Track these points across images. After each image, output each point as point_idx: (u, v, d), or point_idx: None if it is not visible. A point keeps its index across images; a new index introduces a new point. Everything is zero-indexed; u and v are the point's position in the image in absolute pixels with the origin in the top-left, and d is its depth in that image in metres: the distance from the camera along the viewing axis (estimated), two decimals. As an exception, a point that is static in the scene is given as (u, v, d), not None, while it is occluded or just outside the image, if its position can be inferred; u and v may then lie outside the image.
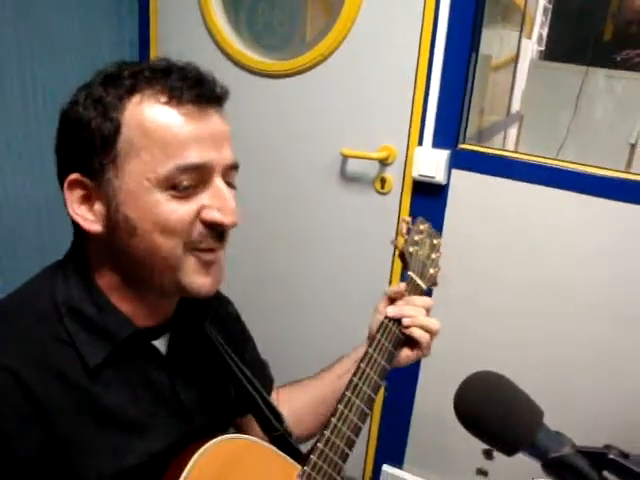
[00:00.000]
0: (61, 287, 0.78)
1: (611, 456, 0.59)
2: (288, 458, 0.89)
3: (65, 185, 0.76)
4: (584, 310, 1.58)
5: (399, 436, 1.88)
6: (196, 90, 0.75)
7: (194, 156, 0.73)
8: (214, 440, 0.80)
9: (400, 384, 1.78)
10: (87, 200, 0.76)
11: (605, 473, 0.60)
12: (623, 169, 1.72)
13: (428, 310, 0.98)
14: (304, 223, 1.90)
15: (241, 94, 1.88)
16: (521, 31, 2.62)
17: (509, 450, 0.61)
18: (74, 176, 0.75)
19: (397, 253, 1.07)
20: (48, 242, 1.76)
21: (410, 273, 1.02)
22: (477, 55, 1.64)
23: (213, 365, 0.93)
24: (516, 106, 2.56)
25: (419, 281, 1.02)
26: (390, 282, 1.79)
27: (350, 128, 1.77)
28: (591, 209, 1.53)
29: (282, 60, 1.84)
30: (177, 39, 1.97)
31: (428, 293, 1.04)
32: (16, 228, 1.70)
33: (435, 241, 1.09)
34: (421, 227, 1.08)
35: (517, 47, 2.55)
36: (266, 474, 0.87)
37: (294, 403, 1.07)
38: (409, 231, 1.06)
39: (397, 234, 1.08)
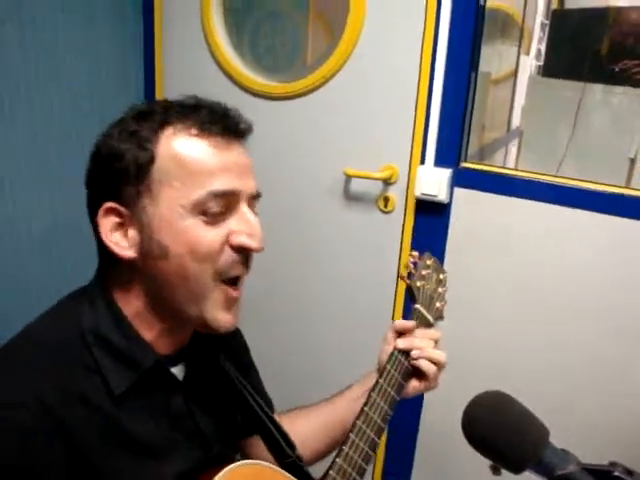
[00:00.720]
0: (88, 314, 0.81)
1: (616, 473, 0.61)
2: None
3: (100, 213, 0.80)
4: (587, 325, 1.60)
5: (406, 452, 1.89)
6: (223, 123, 0.81)
7: (222, 183, 0.78)
8: (232, 465, 0.82)
9: (406, 400, 1.79)
10: (121, 227, 0.80)
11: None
12: (623, 184, 1.73)
13: (436, 342, 1.01)
14: (309, 242, 1.93)
15: (245, 116, 1.91)
16: (519, 47, 2.65)
17: (516, 468, 0.63)
18: (109, 204, 0.79)
19: (404, 286, 1.11)
20: (56, 268, 1.78)
21: (418, 306, 1.06)
22: (477, 74, 1.67)
23: (226, 392, 0.95)
24: (516, 122, 2.59)
25: (426, 314, 1.06)
26: (395, 299, 1.80)
27: (353, 148, 1.80)
28: (591, 225, 1.55)
29: (285, 82, 1.87)
30: (182, 63, 2.00)
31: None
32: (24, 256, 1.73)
33: (441, 276, 1.13)
34: (428, 262, 1.12)
35: (516, 63, 2.59)
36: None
37: (297, 428, 1.08)
38: (416, 265, 1.10)
39: (403, 267, 1.13)
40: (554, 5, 3.33)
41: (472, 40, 1.59)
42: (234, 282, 0.82)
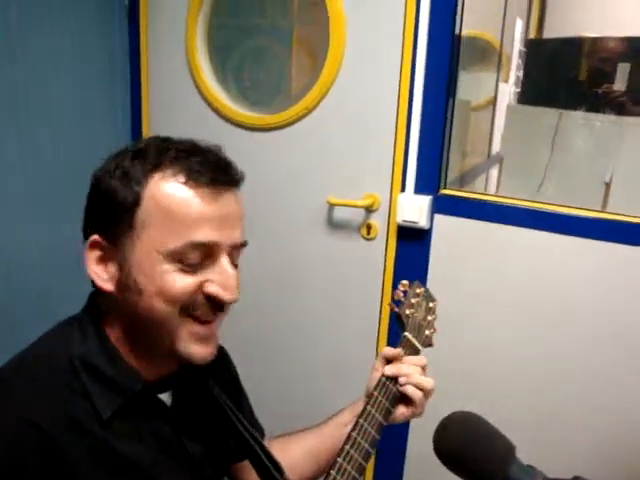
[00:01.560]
0: (77, 341, 0.83)
1: (579, 488, 0.64)
2: None
3: (87, 244, 0.83)
4: (568, 345, 1.62)
5: (394, 477, 1.90)
6: (213, 174, 0.81)
7: (203, 235, 0.79)
8: None
9: (393, 426, 1.81)
10: (103, 260, 0.83)
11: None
12: (599, 207, 1.78)
13: (423, 369, 1.03)
14: (293, 269, 1.96)
15: (229, 146, 1.94)
16: (498, 74, 2.72)
17: (485, 485, 0.66)
18: (95, 237, 0.82)
19: (391, 314, 1.13)
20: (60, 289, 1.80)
21: (406, 334, 1.08)
22: (454, 101, 1.72)
23: (214, 417, 0.97)
24: (496, 148, 2.65)
25: (415, 342, 1.08)
26: (379, 324, 1.83)
27: (335, 177, 1.84)
28: (570, 248, 1.58)
29: (269, 114, 1.92)
30: (168, 97, 2.05)
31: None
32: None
33: (431, 304, 1.15)
34: (417, 290, 1.14)
35: (495, 90, 2.65)
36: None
37: (287, 453, 1.10)
38: (406, 294, 1.12)
39: (392, 296, 1.15)
40: (533, 34, 3.43)
41: (448, 68, 1.64)
42: (202, 320, 0.83)
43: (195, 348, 0.83)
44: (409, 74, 1.67)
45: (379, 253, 1.81)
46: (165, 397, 0.90)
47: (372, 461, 1.93)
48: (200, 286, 0.81)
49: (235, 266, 0.85)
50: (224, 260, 0.82)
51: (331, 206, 1.85)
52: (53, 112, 1.81)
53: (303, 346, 1.99)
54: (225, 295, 0.81)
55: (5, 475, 0.72)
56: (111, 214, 0.81)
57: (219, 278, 0.81)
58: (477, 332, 1.73)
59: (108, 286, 0.82)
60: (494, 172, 2.61)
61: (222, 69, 2.00)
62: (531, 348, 1.67)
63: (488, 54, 2.82)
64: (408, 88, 1.68)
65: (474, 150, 2.69)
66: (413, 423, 1.81)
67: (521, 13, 3.12)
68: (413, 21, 1.64)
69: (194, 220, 0.79)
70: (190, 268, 0.80)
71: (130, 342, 0.85)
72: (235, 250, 0.85)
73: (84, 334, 0.84)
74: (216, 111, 1.97)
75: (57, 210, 1.78)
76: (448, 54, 1.62)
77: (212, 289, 0.81)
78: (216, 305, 0.82)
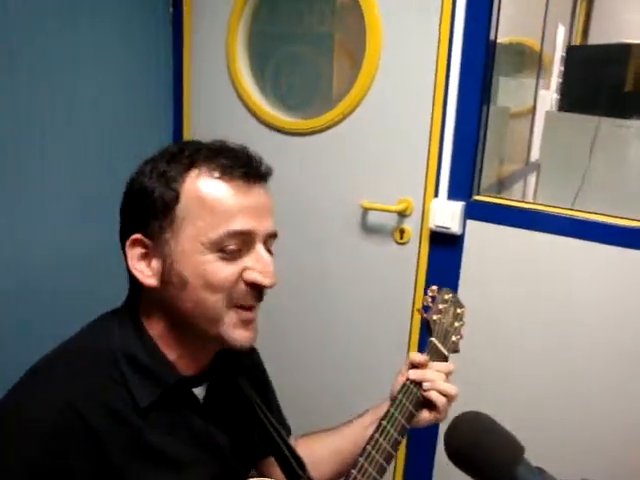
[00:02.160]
0: (117, 334, 0.88)
1: (587, 490, 0.65)
2: None
3: (127, 243, 0.87)
4: (601, 358, 1.61)
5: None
6: (244, 168, 0.86)
7: (240, 224, 0.84)
8: None
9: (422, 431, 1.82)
10: (146, 257, 0.87)
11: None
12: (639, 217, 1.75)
13: (448, 375, 1.04)
14: (327, 272, 1.98)
15: (267, 151, 1.98)
16: (537, 80, 2.71)
17: (494, 484, 0.67)
18: (136, 236, 0.87)
19: (421, 319, 1.14)
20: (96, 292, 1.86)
21: (433, 339, 1.09)
22: (489, 108, 1.73)
23: (243, 412, 1.01)
24: (535, 155, 2.63)
25: (441, 347, 1.09)
26: (410, 329, 1.84)
27: (370, 182, 1.86)
28: (607, 257, 1.57)
29: (305, 119, 1.96)
30: (209, 102, 2.11)
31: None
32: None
33: (459, 310, 1.16)
34: (446, 296, 1.15)
35: (534, 97, 2.64)
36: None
37: (312, 451, 1.13)
38: (434, 300, 1.13)
39: (422, 301, 1.17)
40: (577, 41, 3.39)
41: (483, 74, 1.65)
42: (247, 307, 0.88)
43: (238, 333, 0.87)
44: (444, 80, 1.69)
45: (412, 258, 1.83)
46: (198, 391, 0.93)
47: (401, 467, 1.94)
48: (240, 274, 0.85)
49: (270, 254, 0.90)
50: (260, 248, 0.87)
51: (365, 210, 1.87)
52: (99, 116, 1.88)
53: (335, 349, 2.01)
54: (265, 280, 0.86)
55: (46, 454, 0.77)
56: (151, 212, 0.85)
57: (257, 265, 0.86)
58: (507, 339, 1.73)
59: (151, 281, 0.86)
60: (532, 179, 2.59)
61: (262, 75, 2.05)
62: (563, 358, 1.66)
63: (531, 61, 2.81)
64: (442, 94, 1.70)
65: (513, 157, 2.68)
66: (442, 429, 1.82)
67: (564, 20, 3.10)
68: (448, 27, 1.65)
69: (231, 211, 0.84)
70: (230, 256, 0.84)
71: (170, 337, 0.89)
72: (269, 239, 0.90)
73: (124, 327, 0.89)
74: (255, 115, 2.02)
75: (101, 211, 1.84)
76: (483, 60, 1.63)
77: (252, 276, 0.86)
78: (257, 291, 0.87)
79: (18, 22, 1.59)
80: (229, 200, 0.84)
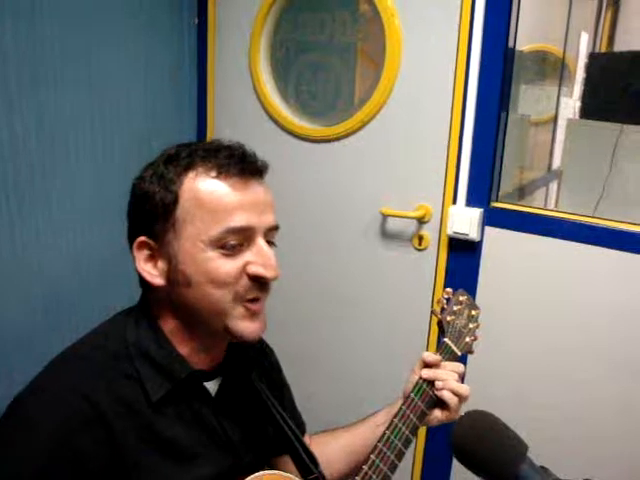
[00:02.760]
0: (132, 331, 0.91)
1: (589, 488, 0.66)
2: None
3: (134, 246, 0.91)
4: (621, 367, 1.60)
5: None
6: (240, 165, 0.89)
7: (239, 220, 0.87)
8: (257, 474, 0.90)
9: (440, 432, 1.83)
10: (152, 258, 0.91)
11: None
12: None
13: (460, 375, 1.06)
14: (347, 277, 2.01)
15: (288, 157, 2.03)
16: (559, 88, 2.70)
17: (497, 482, 0.69)
18: (141, 238, 0.90)
19: (436, 321, 1.16)
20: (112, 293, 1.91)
21: (446, 339, 1.11)
22: (507, 115, 1.74)
23: (256, 409, 1.03)
24: (557, 162, 2.63)
25: (454, 347, 1.11)
26: (429, 333, 1.86)
27: (389, 189, 1.88)
28: (628, 266, 1.57)
29: (326, 126, 1.99)
30: (231, 108, 2.15)
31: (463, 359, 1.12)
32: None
33: (473, 312, 1.18)
34: (460, 298, 1.17)
35: (556, 104, 2.64)
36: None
37: (325, 449, 1.15)
38: (449, 301, 1.15)
39: (436, 302, 1.19)
40: (603, 48, 3.37)
41: (501, 82, 1.66)
42: (253, 300, 0.90)
43: (245, 325, 0.89)
44: (462, 88, 1.71)
45: (430, 264, 1.84)
46: (210, 386, 0.96)
47: (419, 468, 1.95)
48: (243, 269, 0.88)
49: (271, 247, 0.92)
50: (261, 242, 0.89)
51: (384, 217, 1.89)
52: (124, 123, 1.93)
53: (354, 353, 2.03)
54: (267, 273, 0.88)
55: (62, 444, 0.80)
56: (153, 215, 0.89)
57: (259, 258, 0.88)
58: (525, 345, 1.73)
59: (158, 281, 0.90)
60: (555, 186, 2.59)
61: (284, 83, 2.09)
62: (581, 366, 1.66)
63: (554, 69, 2.81)
64: (461, 102, 1.71)
65: (535, 164, 2.68)
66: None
67: (587, 27, 3.09)
68: (467, 36, 1.67)
69: (229, 208, 0.87)
70: (231, 252, 0.87)
71: (181, 333, 0.92)
72: (270, 232, 0.92)
73: (138, 324, 0.92)
74: (276, 123, 2.05)
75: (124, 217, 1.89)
76: (501, 68, 1.64)
77: (254, 269, 0.88)
78: (260, 284, 0.89)
79: (50, 36, 1.65)
80: (226, 198, 0.87)
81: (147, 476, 0.85)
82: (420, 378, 1.05)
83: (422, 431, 1.92)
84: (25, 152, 1.64)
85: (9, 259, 1.64)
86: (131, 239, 0.92)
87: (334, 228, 2.00)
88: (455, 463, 1.83)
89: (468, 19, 1.66)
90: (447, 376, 1.04)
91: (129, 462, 0.83)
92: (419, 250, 1.86)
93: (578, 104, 2.95)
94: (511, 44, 1.66)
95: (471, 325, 1.16)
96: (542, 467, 0.69)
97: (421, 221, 1.84)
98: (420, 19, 1.76)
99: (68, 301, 1.81)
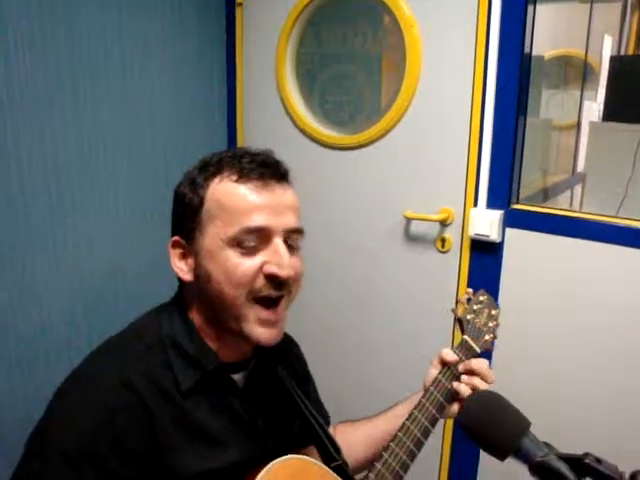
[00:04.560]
0: (166, 324, 0.99)
1: (587, 461, 0.71)
2: None
3: (170, 245, 1.00)
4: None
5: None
6: (260, 169, 0.96)
7: (255, 221, 0.93)
8: (283, 457, 0.95)
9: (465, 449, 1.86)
10: (183, 256, 0.99)
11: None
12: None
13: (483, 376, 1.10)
14: (372, 279, 2.07)
15: (315, 165, 2.11)
16: (582, 92, 2.73)
17: (501, 455, 0.74)
18: (175, 238, 0.99)
19: (455, 318, 1.21)
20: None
21: (465, 337, 1.16)
22: (525, 119, 1.78)
23: (282, 400, 1.09)
24: (581, 166, 2.65)
25: (473, 345, 1.16)
26: (453, 334, 1.90)
27: (412, 193, 1.94)
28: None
29: (350, 134, 2.06)
30: (259, 119, 2.24)
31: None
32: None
33: (493, 311, 1.23)
34: (481, 298, 1.23)
35: (579, 108, 2.67)
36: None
37: (348, 438, 1.21)
38: (469, 301, 1.21)
39: (457, 302, 1.24)
40: (631, 51, 3.38)
41: (518, 87, 1.71)
42: (268, 304, 0.96)
43: (260, 331, 0.95)
44: (480, 94, 1.76)
45: (453, 265, 1.89)
46: (238, 378, 1.03)
47: (447, 466, 1.99)
48: (260, 268, 0.94)
49: (292, 249, 0.97)
50: (277, 242, 0.95)
51: (408, 220, 1.95)
52: (159, 133, 2.03)
53: (379, 353, 2.09)
54: (281, 272, 0.93)
55: (101, 424, 0.87)
56: (184, 216, 0.98)
57: (274, 258, 0.94)
58: (547, 345, 1.76)
59: (188, 277, 0.98)
60: (579, 189, 2.61)
61: (309, 94, 2.17)
62: (603, 366, 1.68)
63: (578, 73, 2.83)
64: (480, 108, 1.76)
65: (559, 167, 2.70)
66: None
67: (611, 30, 3.11)
68: (484, 42, 1.73)
69: (245, 209, 0.93)
70: (249, 251, 0.93)
71: (210, 326, 0.99)
72: (291, 234, 0.97)
73: (171, 318, 1.00)
74: (302, 132, 2.13)
75: (157, 219, 1.99)
76: (518, 73, 1.69)
77: (269, 269, 0.94)
78: (275, 283, 0.95)
79: (91, 48, 1.76)
80: (245, 199, 0.93)
81: (179, 459, 0.91)
82: (439, 372, 1.11)
83: (449, 438, 1.97)
84: (65, 161, 1.74)
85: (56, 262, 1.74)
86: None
87: (360, 232, 2.06)
88: (482, 458, 1.89)
89: (485, 27, 1.72)
90: (476, 365, 1.10)
91: (163, 445, 0.90)
92: (442, 252, 1.91)
93: (602, 107, 2.97)
94: (527, 50, 1.71)
95: (491, 324, 1.21)
96: (545, 443, 0.74)
97: (443, 224, 1.89)
98: (438, 29, 1.82)
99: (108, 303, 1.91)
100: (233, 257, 0.93)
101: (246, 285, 0.93)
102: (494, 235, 1.76)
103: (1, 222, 1.61)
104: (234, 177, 0.95)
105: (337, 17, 2.10)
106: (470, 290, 1.23)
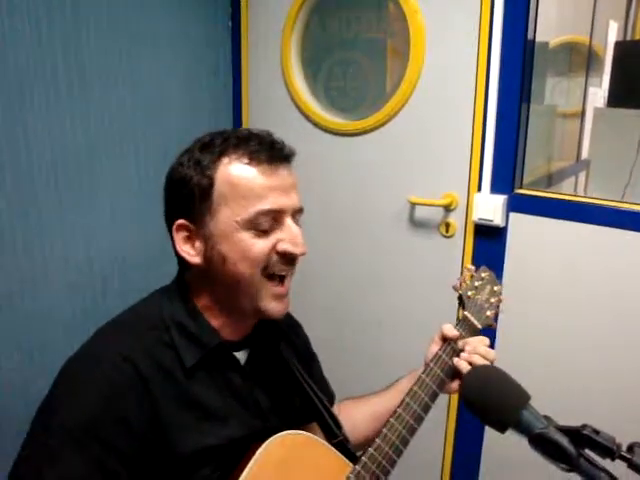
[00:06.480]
0: (167, 306, 1.01)
1: (585, 432, 0.73)
2: (344, 457, 1.05)
3: (173, 228, 1.00)
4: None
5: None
6: (269, 152, 0.97)
7: (270, 203, 0.95)
8: (282, 433, 0.98)
9: (470, 425, 1.89)
10: (189, 240, 1.00)
11: (586, 451, 0.74)
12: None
13: (487, 345, 1.12)
14: (377, 264, 2.09)
15: (320, 151, 2.12)
16: (586, 78, 2.73)
17: (501, 427, 0.76)
18: (180, 221, 0.99)
19: (457, 295, 1.22)
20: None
21: (466, 313, 1.17)
22: (529, 105, 1.80)
23: (284, 378, 1.11)
24: (586, 152, 2.65)
25: (474, 321, 1.17)
26: (457, 318, 1.91)
27: (416, 178, 1.96)
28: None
29: (355, 120, 2.07)
30: (265, 106, 2.25)
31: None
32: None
33: (495, 288, 1.23)
34: (483, 274, 1.23)
35: (583, 95, 2.67)
36: (324, 465, 1.03)
37: (351, 414, 1.24)
38: (471, 277, 1.22)
39: (458, 278, 1.25)
40: (636, 37, 3.36)
41: (522, 73, 1.72)
42: (280, 279, 1.00)
43: (273, 304, 0.99)
44: (484, 80, 1.77)
45: (457, 250, 1.91)
46: (240, 356, 1.05)
47: (449, 462, 2.02)
48: (273, 247, 0.97)
49: (298, 226, 1.00)
50: (289, 221, 0.98)
51: (412, 205, 1.97)
52: (165, 120, 2.05)
53: (381, 338, 2.11)
54: (295, 249, 0.97)
55: (106, 399, 0.89)
56: (190, 198, 0.97)
57: (288, 236, 0.97)
58: (551, 329, 1.78)
59: (196, 260, 0.99)
60: (584, 175, 2.62)
61: (314, 80, 2.18)
62: (606, 349, 1.70)
63: (583, 60, 2.83)
64: (483, 94, 1.78)
65: (564, 153, 2.71)
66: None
67: (617, 16, 3.10)
68: (487, 29, 1.74)
69: (260, 192, 0.95)
70: (263, 232, 0.96)
71: (214, 308, 1.01)
72: (297, 213, 1.01)
73: (172, 299, 1.02)
74: (308, 118, 2.14)
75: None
76: (521, 59, 1.70)
77: (284, 246, 0.97)
78: (288, 259, 0.98)
79: (95, 38, 1.77)
80: (257, 182, 0.95)
81: (182, 435, 0.93)
82: (440, 349, 1.12)
83: (453, 416, 1.99)
84: (72, 147, 1.76)
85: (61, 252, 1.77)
86: (169, 222, 1.01)
87: (365, 217, 2.08)
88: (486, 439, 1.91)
89: (488, 13, 1.73)
90: (475, 343, 1.11)
91: (166, 421, 0.92)
92: (446, 237, 1.92)
93: (606, 94, 2.97)
94: (530, 36, 1.72)
95: (493, 299, 1.21)
96: (545, 416, 0.76)
97: (448, 209, 1.90)
98: (442, 15, 1.83)
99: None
100: (248, 238, 0.95)
101: (261, 263, 0.96)
102: (498, 220, 1.77)
103: (9, 207, 1.63)
104: (244, 159, 0.96)
105: (342, 3, 2.11)
106: (471, 267, 1.23)
